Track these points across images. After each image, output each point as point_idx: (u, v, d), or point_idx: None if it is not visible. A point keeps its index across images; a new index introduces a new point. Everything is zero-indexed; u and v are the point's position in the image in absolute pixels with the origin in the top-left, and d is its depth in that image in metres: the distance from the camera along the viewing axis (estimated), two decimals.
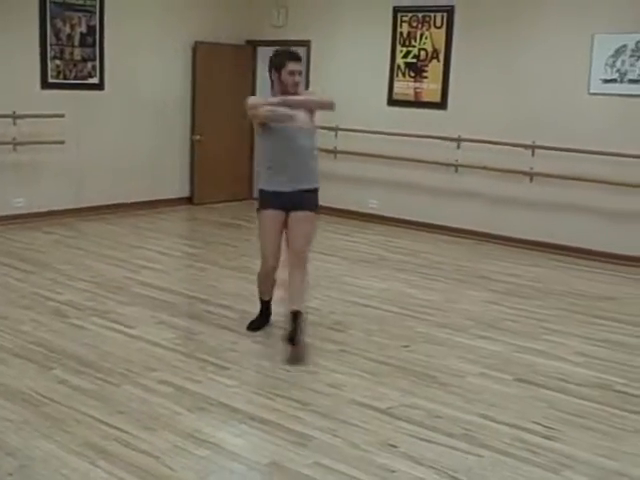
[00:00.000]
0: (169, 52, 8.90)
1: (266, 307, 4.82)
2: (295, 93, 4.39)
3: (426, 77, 8.36)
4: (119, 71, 8.39)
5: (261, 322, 4.79)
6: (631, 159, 6.96)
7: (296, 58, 4.45)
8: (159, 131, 8.96)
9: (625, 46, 7.10)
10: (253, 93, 9.35)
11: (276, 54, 4.49)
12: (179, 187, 9.31)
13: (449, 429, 3.48)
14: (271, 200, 4.44)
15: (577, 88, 7.36)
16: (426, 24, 8.32)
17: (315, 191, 4.52)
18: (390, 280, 6.22)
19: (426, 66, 8.35)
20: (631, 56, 7.07)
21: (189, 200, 9.37)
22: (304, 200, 4.43)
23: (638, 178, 6.99)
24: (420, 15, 8.34)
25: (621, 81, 7.17)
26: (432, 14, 8.26)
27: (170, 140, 9.11)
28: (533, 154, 7.60)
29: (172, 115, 9.08)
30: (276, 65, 4.40)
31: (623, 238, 7.18)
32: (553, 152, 7.38)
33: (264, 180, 4.51)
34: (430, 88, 8.34)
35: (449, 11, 8.13)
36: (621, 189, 7.05)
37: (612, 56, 7.17)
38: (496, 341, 4.78)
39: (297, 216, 4.42)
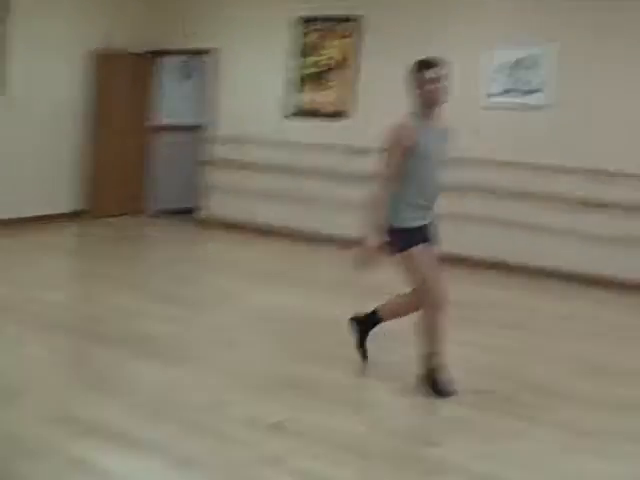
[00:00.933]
0: (66, 59, 8.64)
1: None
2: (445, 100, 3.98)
3: (332, 87, 8.44)
4: (15, 77, 8.05)
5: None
6: (526, 171, 7.23)
7: (436, 63, 3.95)
8: (52, 141, 8.61)
9: (518, 60, 7.33)
10: (152, 104, 9.26)
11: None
12: (71, 200, 8.96)
13: (340, 442, 3.49)
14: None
15: (472, 101, 7.58)
16: (333, 33, 8.41)
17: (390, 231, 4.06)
18: (288, 294, 6.21)
19: (332, 76, 8.43)
20: (527, 68, 7.30)
21: (82, 214, 9.04)
22: None
23: (537, 187, 7.27)
24: (326, 25, 8.43)
25: (513, 94, 7.40)
26: (339, 24, 8.35)
27: (63, 151, 8.78)
28: None
29: (66, 125, 8.76)
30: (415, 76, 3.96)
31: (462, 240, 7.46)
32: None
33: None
34: (337, 98, 8.42)
35: (356, 21, 8.24)
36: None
37: (509, 68, 7.39)
38: (392, 354, 4.84)
39: None
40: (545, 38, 7.23)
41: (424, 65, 3.89)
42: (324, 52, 8.48)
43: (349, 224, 8.33)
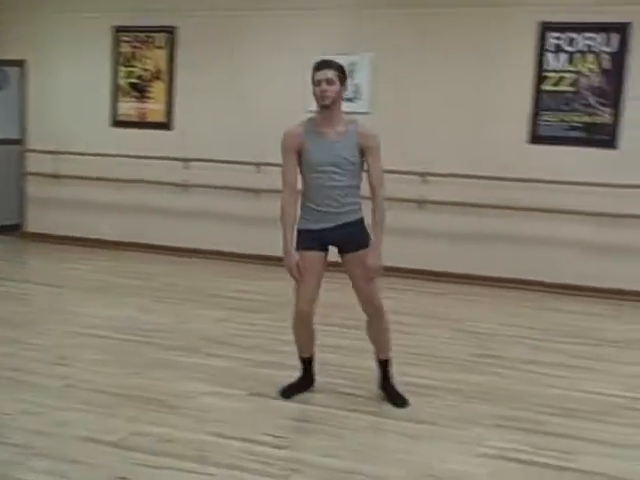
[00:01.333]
0: None
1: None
2: (324, 106, 3.81)
3: (150, 97, 8.28)
4: None
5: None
6: None
7: (322, 66, 3.82)
8: None
9: None
10: None
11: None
12: None
13: (181, 452, 3.41)
14: None
15: (297, 109, 7.69)
16: (148, 44, 8.25)
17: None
18: (120, 306, 6.03)
19: (150, 86, 8.27)
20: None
21: None
22: None
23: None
24: (141, 35, 8.25)
25: None
26: (153, 34, 8.21)
27: None
28: (259, 171, 7.81)
29: None
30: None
31: None
32: (278, 169, 7.60)
33: None
34: (155, 109, 8.28)
35: (170, 32, 8.12)
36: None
37: None
38: (228, 358, 4.80)
39: None
40: (361, 48, 7.49)
41: (314, 66, 3.83)
42: (139, 63, 8.29)
43: (178, 233, 8.23)
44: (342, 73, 3.84)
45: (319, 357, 4.62)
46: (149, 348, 4.96)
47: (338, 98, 3.82)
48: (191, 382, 4.34)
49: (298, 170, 3.95)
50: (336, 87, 3.78)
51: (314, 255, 3.96)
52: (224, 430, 3.66)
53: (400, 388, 4.18)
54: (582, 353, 5.20)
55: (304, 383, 4.27)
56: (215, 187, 7.97)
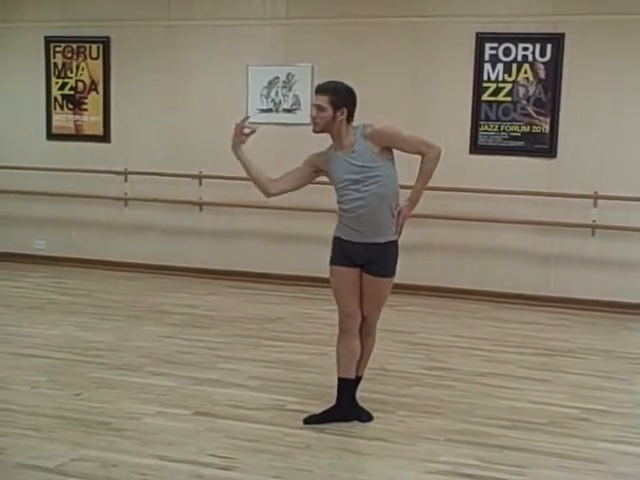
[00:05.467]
0: None
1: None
2: (314, 131, 3.87)
3: (86, 109, 8.10)
4: None
5: None
6: None
7: (316, 90, 3.88)
8: None
9: (277, 78, 7.51)
10: None
11: None
12: None
13: (125, 477, 3.31)
14: None
15: (234, 118, 7.60)
16: (82, 55, 8.07)
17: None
18: (60, 325, 5.86)
19: (85, 98, 8.10)
20: (283, 87, 7.50)
21: None
22: None
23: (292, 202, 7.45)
24: (74, 46, 8.07)
25: (276, 111, 7.57)
26: (87, 45, 8.03)
27: None
28: (200, 184, 7.71)
29: None
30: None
31: (295, 259, 7.58)
32: (220, 181, 7.55)
33: None
34: (91, 121, 8.09)
35: (104, 42, 7.96)
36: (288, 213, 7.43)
37: (266, 87, 7.55)
38: (172, 376, 4.69)
39: None
40: (299, 58, 7.46)
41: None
42: (74, 74, 8.10)
43: (119, 248, 8.05)
44: (338, 97, 3.77)
45: (263, 373, 4.57)
46: (91, 368, 4.83)
47: (330, 124, 3.77)
48: (135, 403, 4.23)
49: (300, 182, 3.99)
50: (327, 114, 3.75)
51: (345, 271, 3.89)
52: (169, 452, 3.57)
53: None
54: (530, 363, 5.21)
55: (335, 410, 4.00)
56: (158, 200, 7.83)
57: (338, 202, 3.91)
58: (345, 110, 3.79)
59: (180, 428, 3.89)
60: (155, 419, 4.00)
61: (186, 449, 3.62)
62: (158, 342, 5.45)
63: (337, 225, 3.97)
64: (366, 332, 4.03)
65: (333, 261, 3.94)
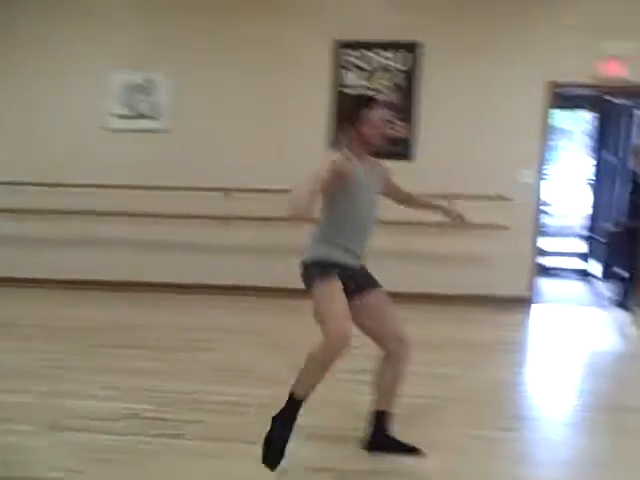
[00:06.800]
0: None
1: None
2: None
3: None
4: None
5: None
6: (150, 190, 7.28)
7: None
8: None
9: (135, 83, 7.36)
10: None
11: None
12: None
13: None
14: None
15: (93, 124, 7.45)
16: None
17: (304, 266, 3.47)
18: None
19: None
20: (140, 92, 7.36)
21: None
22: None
23: (154, 208, 7.33)
24: None
25: (134, 117, 7.41)
26: None
27: None
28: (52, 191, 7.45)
29: None
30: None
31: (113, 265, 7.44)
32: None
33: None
34: None
35: None
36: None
37: (124, 92, 7.38)
38: (23, 393, 4.45)
39: None
40: (156, 63, 7.39)
41: None
42: None
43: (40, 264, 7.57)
44: (347, 112, 3.62)
45: (111, 380, 4.41)
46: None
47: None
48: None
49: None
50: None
51: (341, 286, 3.40)
52: (16, 472, 3.37)
53: (207, 407, 4.06)
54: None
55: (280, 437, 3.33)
56: (16, 211, 7.50)
57: (337, 215, 3.49)
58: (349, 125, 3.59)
59: (32, 444, 3.69)
60: (7, 436, 3.78)
61: (37, 465, 3.45)
62: (10, 356, 5.20)
63: (322, 246, 3.47)
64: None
65: (325, 273, 3.37)
